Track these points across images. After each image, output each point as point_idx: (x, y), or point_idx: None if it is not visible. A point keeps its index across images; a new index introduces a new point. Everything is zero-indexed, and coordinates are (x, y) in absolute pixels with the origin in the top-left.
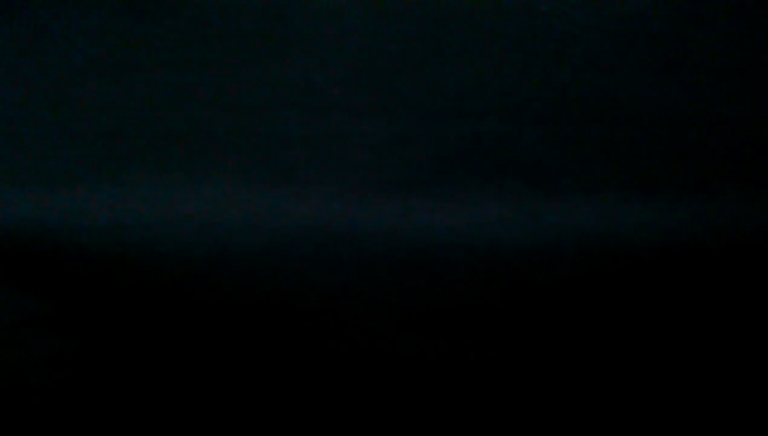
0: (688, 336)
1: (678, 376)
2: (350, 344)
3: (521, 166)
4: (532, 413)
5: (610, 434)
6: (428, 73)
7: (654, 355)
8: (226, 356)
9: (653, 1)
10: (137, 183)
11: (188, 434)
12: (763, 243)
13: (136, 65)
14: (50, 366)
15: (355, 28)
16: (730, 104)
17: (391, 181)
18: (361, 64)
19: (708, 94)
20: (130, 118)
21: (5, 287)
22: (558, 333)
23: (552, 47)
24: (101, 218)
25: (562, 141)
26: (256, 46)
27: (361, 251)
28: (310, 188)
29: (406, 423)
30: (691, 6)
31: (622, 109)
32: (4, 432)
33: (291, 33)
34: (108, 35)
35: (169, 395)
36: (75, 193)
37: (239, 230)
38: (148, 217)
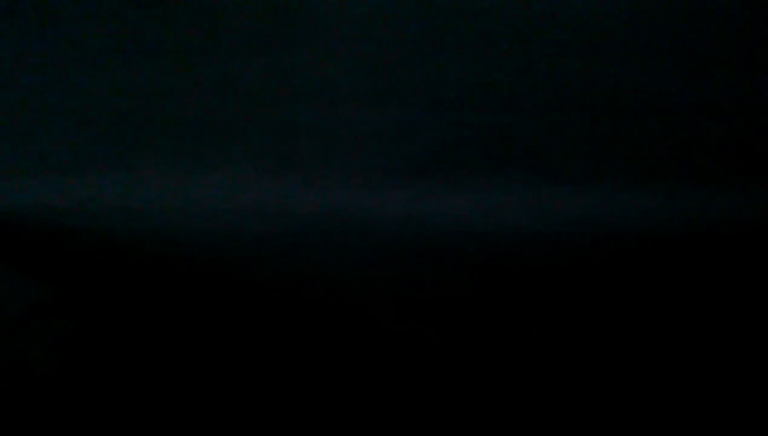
0: (690, 324)
1: (682, 365)
2: (356, 330)
3: (527, 154)
4: (537, 400)
5: (614, 423)
6: (435, 62)
7: (657, 342)
8: (234, 341)
9: None
10: (147, 169)
11: (198, 417)
12: (765, 232)
13: (147, 52)
14: (60, 352)
15: (363, 18)
16: (732, 95)
17: (398, 170)
18: (369, 54)
19: (710, 84)
20: (141, 105)
21: (16, 273)
22: (563, 320)
23: (557, 38)
24: (111, 203)
25: (568, 130)
26: (266, 35)
27: (369, 238)
28: (319, 175)
29: (410, 412)
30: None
31: (626, 99)
32: (15, 419)
33: (300, 21)
34: (119, 22)
35: (178, 379)
36: (85, 179)
37: (248, 217)
38: (157, 202)
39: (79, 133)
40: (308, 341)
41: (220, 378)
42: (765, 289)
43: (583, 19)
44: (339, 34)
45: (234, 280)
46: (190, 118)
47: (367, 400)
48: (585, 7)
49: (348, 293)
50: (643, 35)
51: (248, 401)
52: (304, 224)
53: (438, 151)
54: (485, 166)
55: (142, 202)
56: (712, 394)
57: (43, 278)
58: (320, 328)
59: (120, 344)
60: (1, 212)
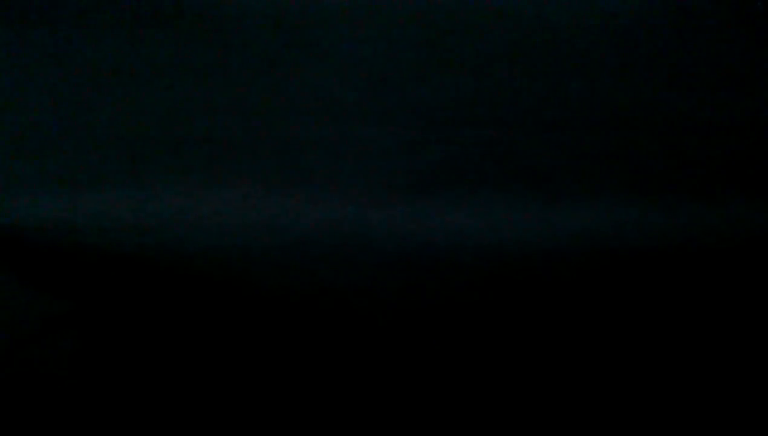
0: (689, 336)
1: (680, 378)
2: (362, 342)
3: (528, 171)
4: (537, 412)
5: (612, 433)
6: (438, 80)
7: (657, 356)
8: (242, 353)
9: (655, 9)
10: (158, 186)
11: (206, 429)
12: (762, 245)
13: (158, 72)
14: (72, 365)
15: (367, 37)
16: (729, 112)
17: (402, 186)
18: (373, 73)
19: (708, 102)
20: (151, 123)
21: (29, 286)
22: (563, 333)
23: (557, 56)
24: (123, 219)
25: (567, 147)
26: (273, 54)
27: (374, 252)
28: (325, 192)
29: (412, 421)
30: (692, 13)
31: (625, 116)
32: (27, 429)
33: (306, 41)
34: (130, 43)
35: (187, 391)
36: (97, 195)
37: (256, 232)
38: (168, 219)
39: (91, 150)
40: (315, 352)
41: (229, 390)
42: (762, 303)
43: (583, 38)
44: (344, 54)
45: (242, 294)
46: (200, 136)
47: (372, 409)
48: (584, 26)
49: (353, 306)
50: (642, 53)
51: (256, 411)
52: (311, 239)
53: (441, 168)
54: (487, 182)
55: (153, 219)
56: (709, 406)
57: (55, 292)
58: (326, 339)
59: (130, 357)
60: (15, 227)
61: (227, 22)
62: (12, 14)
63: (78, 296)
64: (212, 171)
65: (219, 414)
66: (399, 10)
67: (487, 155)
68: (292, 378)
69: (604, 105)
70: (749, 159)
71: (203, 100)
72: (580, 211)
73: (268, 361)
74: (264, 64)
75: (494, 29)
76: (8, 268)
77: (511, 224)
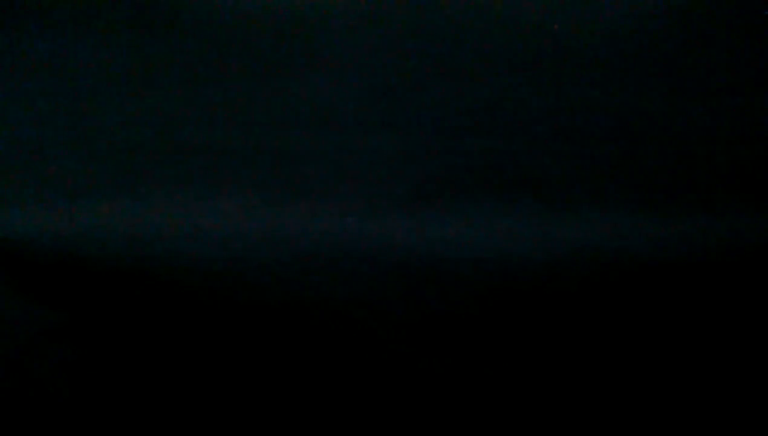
0: (693, 344)
1: (685, 385)
2: (363, 353)
3: (531, 181)
4: (539, 423)
5: None
6: (440, 90)
7: (661, 365)
8: (241, 365)
9: (660, 22)
10: (155, 197)
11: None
12: (765, 255)
13: (155, 83)
14: (68, 374)
15: (368, 47)
16: (733, 122)
17: (403, 197)
18: (374, 82)
19: (712, 112)
20: (149, 134)
21: (26, 297)
22: (566, 345)
23: (561, 66)
24: (120, 230)
25: (571, 157)
26: (272, 65)
27: (375, 264)
28: (325, 203)
29: (411, 431)
30: (697, 27)
31: (629, 126)
32: None
33: (306, 50)
34: (127, 54)
35: (183, 402)
36: (94, 206)
37: (256, 244)
38: (165, 230)
39: (88, 161)
40: (314, 362)
41: (227, 400)
42: (765, 314)
43: (587, 48)
44: (344, 63)
45: (242, 306)
46: (198, 147)
47: (372, 418)
48: (588, 36)
49: (354, 318)
50: (646, 64)
51: (255, 421)
52: (311, 251)
53: (442, 179)
54: (489, 193)
55: (150, 230)
56: (711, 413)
57: (52, 304)
58: (326, 350)
59: (127, 367)
60: (12, 239)
61: (226, 31)
62: (9, 21)
63: (75, 307)
64: (210, 182)
65: (216, 424)
66: (400, 18)
67: (489, 166)
68: (292, 388)
69: (608, 114)
70: (755, 169)
71: (201, 109)
72: (582, 222)
73: (267, 371)
74: (262, 74)
75: (497, 38)
76: (5, 279)
77: (514, 235)
